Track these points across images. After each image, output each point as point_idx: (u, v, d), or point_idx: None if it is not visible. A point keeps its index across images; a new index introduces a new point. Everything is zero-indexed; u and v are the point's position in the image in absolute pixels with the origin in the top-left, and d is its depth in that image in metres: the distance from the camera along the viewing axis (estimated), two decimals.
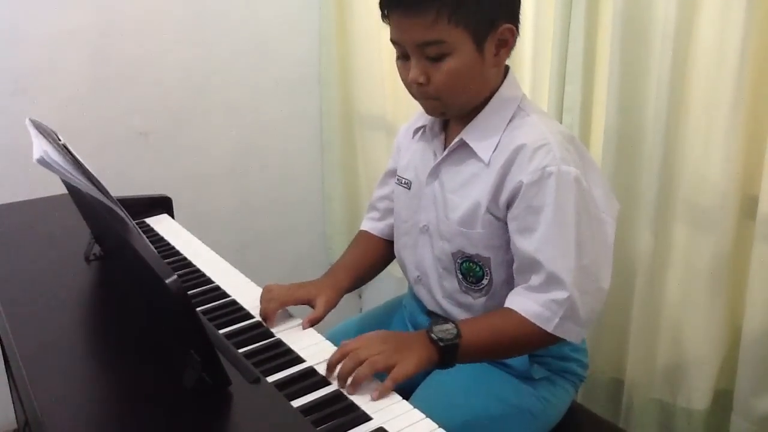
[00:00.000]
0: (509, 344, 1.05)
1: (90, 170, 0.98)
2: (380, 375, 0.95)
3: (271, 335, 1.09)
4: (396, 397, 0.93)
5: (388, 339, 0.99)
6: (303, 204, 2.43)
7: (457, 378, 1.06)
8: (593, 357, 1.44)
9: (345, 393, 0.93)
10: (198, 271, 1.32)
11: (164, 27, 2.01)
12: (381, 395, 0.92)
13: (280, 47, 2.24)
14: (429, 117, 1.19)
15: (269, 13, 2.18)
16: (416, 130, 1.24)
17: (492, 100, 1.11)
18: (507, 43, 1.07)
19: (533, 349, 1.12)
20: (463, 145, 1.12)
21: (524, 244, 1.04)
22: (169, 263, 1.34)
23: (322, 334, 1.10)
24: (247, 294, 1.21)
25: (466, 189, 1.11)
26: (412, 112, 1.29)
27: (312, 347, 1.05)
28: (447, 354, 0.98)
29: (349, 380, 0.93)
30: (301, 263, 2.42)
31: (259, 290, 1.18)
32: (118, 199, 0.94)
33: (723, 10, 1.27)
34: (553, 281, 1.01)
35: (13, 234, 1.48)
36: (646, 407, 1.56)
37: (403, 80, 1.10)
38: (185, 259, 1.38)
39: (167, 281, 0.79)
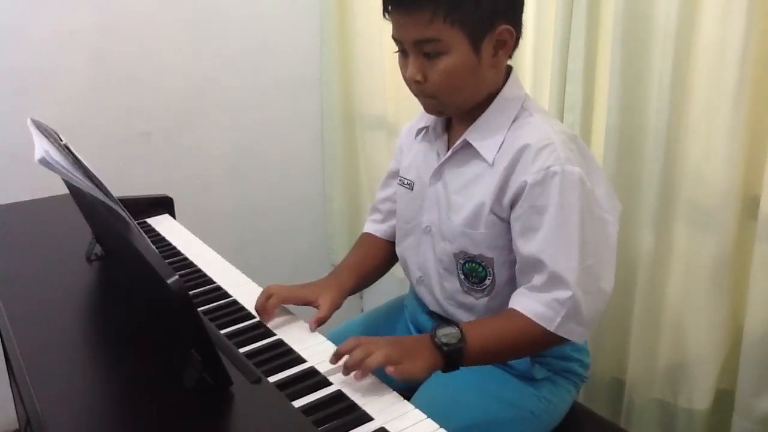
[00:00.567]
0: (513, 345, 1.05)
1: (91, 170, 0.98)
2: (384, 376, 0.95)
3: (273, 335, 1.09)
4: (397, 398, 0.93)
5: (395, 343, 0.99)
6: (304, 204, 2.43)
7: (459, 378, 1.06)
8: (594, 357, 1.44)
9: (346, 393, 0.93)
10: (199, 271, 1.33)
11: (166, 27, 2.01)
12: (390, 374, 0.92)
13: (282, 47, 2.24)
14: (432, 117, 1.19)
15: (270, 14, 2.19)
16: (419, 131, 1.24)
17: (495, 100, 1.10)
18: (506, 44, 1.07)
19: (537, 350, 1.12)
20: (467, 145, 1.11)
21: (527, 244, 1.04)
22: (170, 263, 1.35)
23: (323, 334, 1.10)
24: (248, 294, 1.21)
25: (470, 189, 1.11)
26: (413, 113, 1.29)
27: (313, 347, 1.05)
28: (451, 358, 0.98)
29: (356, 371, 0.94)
30: (303, 263, 2.42)
31: (260, 290, 1.18)
32: (119, 199, 0.94)
33: (724, 10, 1.27)
34: (556, 281, 1.01)
35: (14, 234, 1.49)
36: (648, 407, 1.56)
37: (403, 76, 1.11)
38: (186, 259, 1.38)
39: (169, 281, 0.79)
